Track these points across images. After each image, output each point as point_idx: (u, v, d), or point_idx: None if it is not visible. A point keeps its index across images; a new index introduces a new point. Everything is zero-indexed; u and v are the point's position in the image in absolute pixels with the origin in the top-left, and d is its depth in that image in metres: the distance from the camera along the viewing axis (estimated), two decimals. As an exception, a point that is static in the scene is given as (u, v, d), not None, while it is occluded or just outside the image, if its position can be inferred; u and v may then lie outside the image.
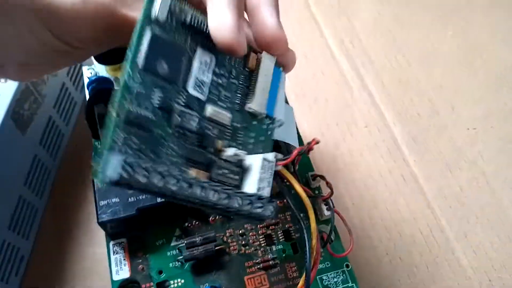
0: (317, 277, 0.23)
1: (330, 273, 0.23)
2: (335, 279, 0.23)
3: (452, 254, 0.33)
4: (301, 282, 0.21)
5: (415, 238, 0.34)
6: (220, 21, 0.17)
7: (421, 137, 0.38)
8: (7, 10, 0.17)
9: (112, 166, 0.14)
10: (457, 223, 0.34)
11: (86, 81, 0.26)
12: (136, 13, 0.18)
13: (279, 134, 0.20)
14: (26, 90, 0.28)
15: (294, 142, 0.22)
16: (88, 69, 0.27)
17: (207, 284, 0.21)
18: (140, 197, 0.21)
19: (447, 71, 0.41)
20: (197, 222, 0.23)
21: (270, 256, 0.23)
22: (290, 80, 0.39)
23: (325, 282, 0.23)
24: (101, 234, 0.30)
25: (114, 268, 0.22)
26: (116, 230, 0.22)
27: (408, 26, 0.44)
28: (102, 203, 0.21)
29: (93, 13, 0.17)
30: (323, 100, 0.39)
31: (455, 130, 0.38)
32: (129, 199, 0.21)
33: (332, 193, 0.23)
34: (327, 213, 0.23)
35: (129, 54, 0.15)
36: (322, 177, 0.24)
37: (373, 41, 0.42)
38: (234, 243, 0.23)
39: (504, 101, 0.40)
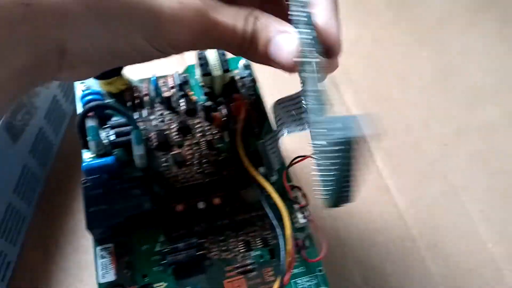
0: (292, 281, 0.24)
1: (304, 277, 0.25)
2: (309, 283, 0.24)
3: (422, 263, 0.35)
4: (276, 284, 0.22)
5: (388, 247, 0.36)
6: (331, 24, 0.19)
7: (395, 152, 0.40)
8: (107, 16, 0.16)
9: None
10: (428, 233, 0.36)
11: (79, 94, 0.28)
12: (225, 18, 0.18)
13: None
14: (20, 102, 0.30)
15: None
16: (80, 83, 0.29)
17: (188, 287, 0.23)
18: (128, 204, 0.23)
19: (422, 90, 0.44)
20: (180, 230, 0.25)
21: (248, 261, 0.25)
22: (274, 97, 0.41)
23: (299, 285, 0.24)
24: (86, 241, 0.31)
25: (100, 272, 0.23)
26: (103, 236, 0.23)
27: (387, 47, 0.46)
28: (91, 209, 0.23)
29: (191, 17, 0.17)
30: (304, 115, 0.41)
31: (428, 144, 0.40)
32: (116, 206, 0.23)
33: (307, 203, 0.25)
34: (302, 221, 0.25)
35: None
36: (299, 188, 0.26)
37: (353, 61, 0.45)
38: (215, 249, 0.25)
39: (474, 118, 0.42)
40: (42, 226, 0.33)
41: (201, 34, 0.18)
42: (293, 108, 0.22)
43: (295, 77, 0.19)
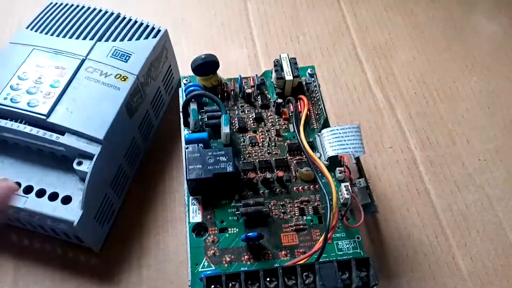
0: (334, 242, 0.31)
1: (344, 241, 0.31)
2: (347, 245, 0.31)
3: (452, 258, 0.40)
4: (322, 237, 0.29)
5: (422, 241, 0.41)
6: None
7: (437, 161, 0.45)
8: None
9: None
10: (460, 234, 0.41)
11: (183, 85, 0.36)
12: None
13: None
14: (137, 88, 0.39)
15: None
16: (184, 78, 0.37)
17: (255, 232, 0.30)
18: (215, 166, 0.31)
19: (468, 110, 0.49)
20: (251, 192, 0.32)
21: (301, 222, 0.31)
22: (332, 104, 0.48)
23: (339, 246, 0.31)
24: (172, 202, 0.40)
25: (191, 214, 0.31)
26: (195, 188, 0.32)
27: (438, 71, 0.52)
28: (190, 167, 0.31)
29: None
30: (358, 122, 0.47)
31: (468, 159, 0.45)
32: (207, 166, 0.31)
33: (351, 182, 0.31)
34: (346, 196, 0.31)
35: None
36: (346, 171, 0.33)
37: (406, 80, 0.51)
38: (276, 210, 0.32)
39: (514, 140, 0.47)
40: (139, 187, 0.42)
41: None
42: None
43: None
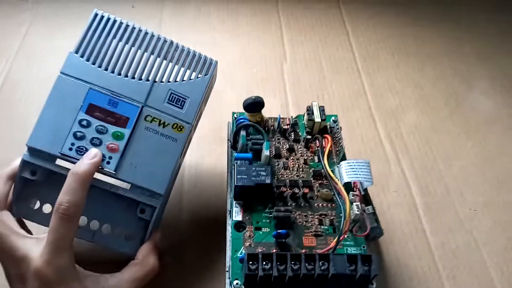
0: (344, 248, 0.39)
1: (352, 248, 0.39)
2: (355, 252, 0.39)
3: (441, 286, 0.47)
4: (335, 240, 0.37)
5: (416, 271, 0.48)
6: None
7: (434, 207, 0.53)
8: None
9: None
10: (449, 268, 0.48)
11: (234, 118, 0.47)
12: None
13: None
14: (190, 135, 0.40)
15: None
16: (235, 113, 0.48)
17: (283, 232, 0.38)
18: (257, 178, 0.40)
19: (463, 169, 0.58)
20: (281, 203, 0.41)
21: (319, 230, 0.40)
22: (348, 152, 0.58)
23: (348, 251, 0.39)
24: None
25: (234, 214, 0.40)
26: (239, 194, 0.40)
27: (439, 133, 0.61)
28: (238, 176, 0.40)
29: None
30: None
31: (460, 207, 0.53)
32: (251, 177, 0.40)
33: (361, 202, 0.40)
34: (356, 212, 0.40)
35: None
36: (358, 194, 0.41)
37: (411, 138, 0.60)
38: (300, 219, 0.40)
39: (502, 198, 0.55)
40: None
41: None
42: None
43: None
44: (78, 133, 0.37)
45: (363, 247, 0.39)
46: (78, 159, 0.36)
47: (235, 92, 0.63)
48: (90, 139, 0.37)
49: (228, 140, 0.46)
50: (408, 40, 0.74)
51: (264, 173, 0.40)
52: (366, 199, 0.44)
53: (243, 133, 0.44)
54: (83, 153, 0.37)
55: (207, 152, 0.56)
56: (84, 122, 0.37)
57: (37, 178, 0.38)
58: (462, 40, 0.75)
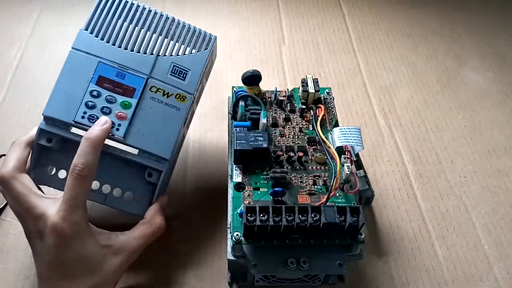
0: (335, 205, 0.42)
1: (343, 205, 0.42)
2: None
3: (431, 246, 0.50)
4: (326, 196, 0.40)
5: (408, 231, 0.51)
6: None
7: (425, 174, 0.56)
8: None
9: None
10: (439, 229, 0.51)
11: (233, 92, 0.50)
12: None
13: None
14: (192, 105, 0.44)
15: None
16: (234, 87, 0.51)
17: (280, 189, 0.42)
18: (255, 142, 0.43)
19: (453, 139, 0.60)
20: (278, 166, 0.44)
21: (313, 189, 0.43)
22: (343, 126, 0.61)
23: (340, 208, 0.42)
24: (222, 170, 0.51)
25: (234, 176, 0.43)
26: (239, 159, 0.44)
27: (431, 107, 0.64)
28: (237, 141, 0.43)
29: None
30: (363, 140, 0.59)
31: (450, 175, 0.56)
32: (249, 142, 0.43)
33: (351, 163, 0.43)
34: (347, 171, 0.43)
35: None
36: (348, 157, 0.44)
37: (404, 112, 0.63)
38: (295, 180, 0.44)
39: (490, 165, 0.58)
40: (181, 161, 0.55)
41: None
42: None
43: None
44: (89, 103, 0.40)
45: (354, 203, 0.42)
46: (90, 126, 0.39)
47: (235, 72, 0.66)
48: (101, 108, 0.41)
49: (228, 112, 0.50)
50: (402, 21, 0.77)
51: (261, 138, 0.44)
52: (358, 164, 0.47)
53: (242, 103, 0.47)
54: (94, 120, 0.40)
55: (210, 128, 0.60)
56: (95, 93, 0.41)
57: (53, 145, 0.41)
58: (455, 21, 0.77)
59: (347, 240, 0.39)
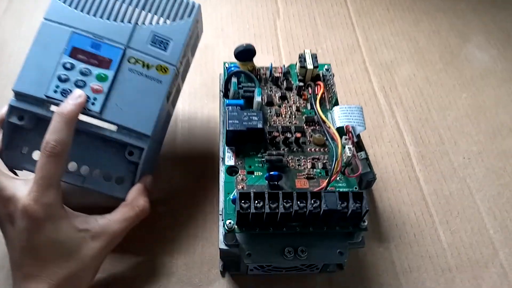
0: (336, 190, 0.39)
1: (344, 189, 0.39)
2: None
3: (434, 231, 0.48)
4: (326, 181, 0.37)
5: (409, 216, 0.48)
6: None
7: (428, 156, 0.53)
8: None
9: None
10: (442, 213, 0.49)
11: (225, 68, 0.46)
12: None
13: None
14: (175, 77, 0.40)
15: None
16: (226, 63, 0.47)
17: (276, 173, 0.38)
18: (249, 122, 0.40)
19: (457, 119, 0.57)
20: (273, 148, 0.41)
21: (312, 173, 0.40)
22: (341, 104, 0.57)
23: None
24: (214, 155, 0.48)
25: (226, 159, 0.40)
26: (231, 140, 0.40)
27: (434, 86, 0.61)
28: (230, 121, 0.40)
29: None
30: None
31: (454, 156, 0.54)
32: (243, 122, 0.40)
33: (353, 144, 0.40)
34: (349, 154, 0.40)
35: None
36: (350, 137, 0.41)
37: (406, 91, 0.60)
38: (292, 163, 0.40)
39: (495, 146, 0.55)
40: (169, 148, 0.51)
41: None
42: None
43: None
44: (62, 76, 0.37)
45: (355, 188, 0.39)
46: (63, 101, 0.36)
47: (227, 47, 0.62)
48: (74, 81, 0.38)
49: (220, 90, 0.46)
50: (403, -5, 0.73)
51: (255, 118, 0.40)
52: (359, 145, 0.44)
53: (234, 80, 0.44)
54: (68, 95, 0.37)
55: (200, 107, 0.56)
56: (68, 65, 0.38)
57: (25, 123, 0.38)
58: (458, -6, 0.74)
59: (349, 227, 0.36)
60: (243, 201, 0.34)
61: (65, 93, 0.37)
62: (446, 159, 0.53)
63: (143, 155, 0.38)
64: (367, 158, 0.43)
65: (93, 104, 0.37)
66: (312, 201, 0.34)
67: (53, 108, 0.37)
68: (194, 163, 0.51)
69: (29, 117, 0.38)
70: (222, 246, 0.37)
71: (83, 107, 0.37)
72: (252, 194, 0.34)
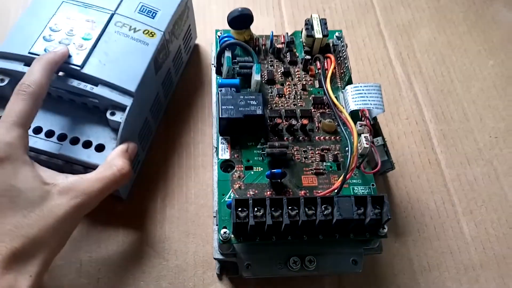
0: (350, 186, 0.33)
1: (360, 186, 0.33)
2: (362, 191, 0.33)
3: (457, 223, 0.42)
4: (340, 178, 0.31)
5: (429, 206, 0.43)
6: None
7: (450, 135, 0.47)
8: None
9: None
10: (466, 202, 0.43)
11: (217, 37, 0.39)
12: None
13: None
14: (163, 44, 0.39)
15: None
16: (218, 31, 0.40)
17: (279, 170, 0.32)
18: (246, 108, 0.33)
19: (483, 90, 0.51)
20: (276, 137, 0.35)
21: (321, 167, 0.34)
22: (353, 75, 0.50)
23: (355, 191, 0.33)
24: (203, 145, 0.42)
25: (220, 152, 0.34)
26: (225, 129, 0.34)
27: (457, 52, 0.53)
28: (223, 107, 0.33)
29: None
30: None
31: (479, 135, 0.47)
32: (239, 108, 0.33)
33: (370, 133, 0.34)
34: (365, 145, 0.33)
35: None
36: (366, 123, 0.35)
37: (425, 57, 0.53)
38: (298, 155, 0.34)
39: (526, 122, 0.48)
40: (163, 140, 0.44)
41: None
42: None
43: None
44: (47, 36, 0.37)
45: (372, 185, 0.34)
46: None
47: (221, 8, 0.54)
48: (59, 40, 0.37)
49: (211, 64, 0.39)
50: None
51: (254, 102, 0.34)
52: (375, 129, 0.37)
53: (228, 54, 0.36)
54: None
55: (190, 80, 0.49)
56: (54, 27, 0.38)
57: (5, 86, 0.36)
58: None
59: (366, 235, 0.31)
60: (239, 209, 0.28)
61: (48, 50, 0.36)
62: (471, 139, 0.47)
63: (125, 114, 0.35)
64: (384, 145, 0.37)
65: (75, 58, 0.36)
66: (323, 208, 0.29)
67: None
68: (187, 150, 0.44)
69: (10, 81, 0.36)
70: (217, 255, 0.32)
71: (64, 56, 0.35)
72: (250, 201, 0.28)
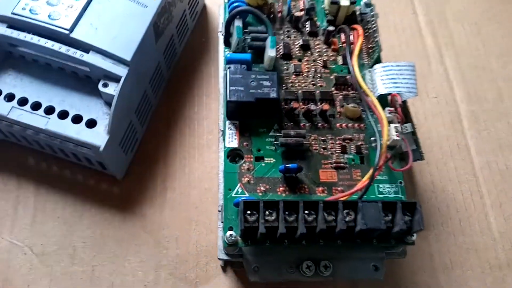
0: (375, 184, 0.29)
1: (386, 184, 0.29)
2: (389, 189, 0.29)
3: (484, 217, 0.38)
4: (367, 176, 0.27)
5: (455, 197, 0.39)
6: None
7: (482, 117, 0.42)
8: None
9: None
10: (496, 193, 0.39)
11: (226, 1, 0.33)
12: None
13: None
14: (164, 7, 0.35)
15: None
16: (227, -6, 0.34)
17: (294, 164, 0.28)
18: (258, 91, 0.29)
19: (521, 68, 0.45)
20: (291, 123, 0.30)
21: (341, 160, 0.30)
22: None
23: (380, 189, 0.29)
24: (209, 121, 0.38)
25: (227, 139, 0.30)
26: (235, 110, 0.29)
27: (494, 21, 0.47)
28: (232, 88, 0.29)
29: None
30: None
31: (515, 118, 0.42)
32: (250, 90, 0.29)
33: (402, 123, 0.29)
34: (395, 138, 0.29)
35: None
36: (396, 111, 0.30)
37: (459, 27, 0.47)
38: (316, 145, 0.30)
39: None
40: (165, 115, 0.40)
41: None
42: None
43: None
44: None
45: (400, 183, 0.29)
46: (31, 18, 0.32)
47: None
48: (46, 1, 0.33)
49: (219, 32, 0.34)
50: None
51: (268, 83, 0.29)
52: (404, 113, 0.33)
53: (238, 23, 0.31)
54: (36, 13, 0.32)
55: (196, 48, 0.44)
56: None
57: None
58: None
59: (391, 241, 0.27)
60: (248, 212, 0.25)
61: (34, 11, 0.32)
62: (505, 122, 0.42)
63: (119, 86, 0.31)
64: (413, 132, 0.33)
65: (63, 21, 0.32)
66: (345, 214, 0.25)
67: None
68: (190, 126, 0.40)
69: None
70: (222, 256, 0.29)
71: None
72: (261, 205, 0.24)
